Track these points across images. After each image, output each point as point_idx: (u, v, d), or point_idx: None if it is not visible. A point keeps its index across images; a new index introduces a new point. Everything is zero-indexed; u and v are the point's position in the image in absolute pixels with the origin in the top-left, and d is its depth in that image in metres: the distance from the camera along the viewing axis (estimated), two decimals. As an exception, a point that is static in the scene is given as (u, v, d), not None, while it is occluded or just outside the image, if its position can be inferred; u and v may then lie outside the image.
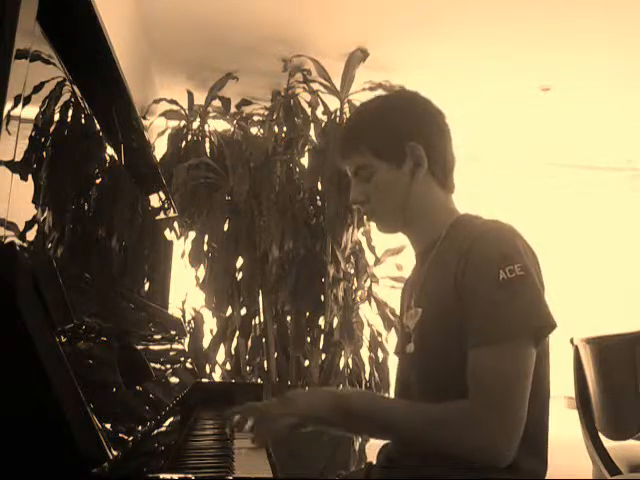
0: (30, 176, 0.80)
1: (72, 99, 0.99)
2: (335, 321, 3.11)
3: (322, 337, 3.17)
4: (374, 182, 1.20)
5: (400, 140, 1.19)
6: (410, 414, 1.07)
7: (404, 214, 1.21)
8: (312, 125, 3.20)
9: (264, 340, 3.15)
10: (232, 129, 3.39)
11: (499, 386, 1.00)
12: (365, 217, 1.32)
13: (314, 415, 1.09)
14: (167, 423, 1.06)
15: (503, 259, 1.04)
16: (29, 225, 0.80)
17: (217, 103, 3.39)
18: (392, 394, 1.33)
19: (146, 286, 1.69)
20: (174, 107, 3.33)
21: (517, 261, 1.04)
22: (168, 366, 1.35)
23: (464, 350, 1.04)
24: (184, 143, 3.31)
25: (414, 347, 1.16)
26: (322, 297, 3.12)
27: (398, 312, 1.39)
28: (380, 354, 3.19)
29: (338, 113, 3.24)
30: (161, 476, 0.86)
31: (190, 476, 0.85)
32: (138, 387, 0.95)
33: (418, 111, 1.23)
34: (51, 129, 0.90)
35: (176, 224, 2.93)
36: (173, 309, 2.78)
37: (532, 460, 1.06)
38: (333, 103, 3.25)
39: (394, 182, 1.19)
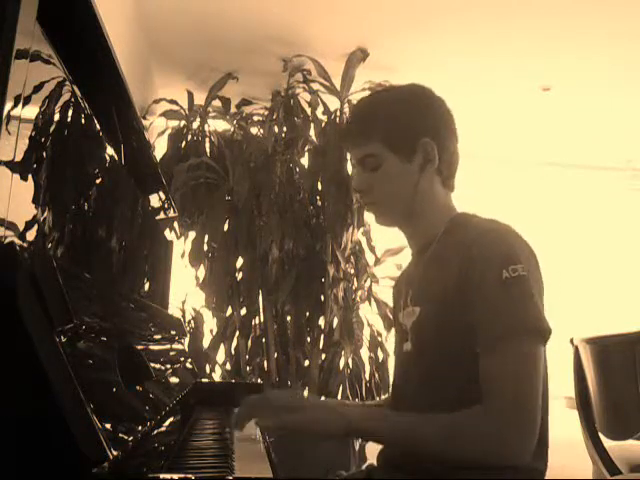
0: (30, 176, 0.80)
1: (72, 99, 0.99)
2: (335, 321, 3.11)
3: (322, 337, 3.17)
4: (381, 173, 1.19)
5: (415, 135, 1.18)
6: (424, 429, 1.02)
7: (407, 209, 1.20)
8: (312, 125, 3.20)
9: (264, 340, 3.15)
10: (232, 129, 3.39)
11: (512, 387, 0.99)
12: (365, 207, 1.30)
13: (316, 432, 1.05)
14: (167, 423, 1.05)
15: (505, 259, 1.03)
16: (29, 225, 0.80)
17: (217, 103, 3.40)
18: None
19: (146, 286, 1.69)
20: (174, 107, 3.33)
21: (519, 261, 1.03)
22: (168, 366, 1.35)
23: (464, 348, 1.04)
24: (184, 143, 3.31)
25: (411, 346, 1.16)
26: (322, 297, 3.12)
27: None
28: (380, 354, 3.19)
29: (338, 113, 3.24)
30: (161, 476, 0.86)
31: (190, 476, 0.85)
32: (138, 387, 0.95)
33: (435, 108, 1.22)
34: (51, 129, 0.90)
35: (176, 224, 2.93)
36: (173, 309, 2.78)
37: (533, 460, 1.06)
38: (333, 103, 3.26)
39: (402, 175, 1.19)
